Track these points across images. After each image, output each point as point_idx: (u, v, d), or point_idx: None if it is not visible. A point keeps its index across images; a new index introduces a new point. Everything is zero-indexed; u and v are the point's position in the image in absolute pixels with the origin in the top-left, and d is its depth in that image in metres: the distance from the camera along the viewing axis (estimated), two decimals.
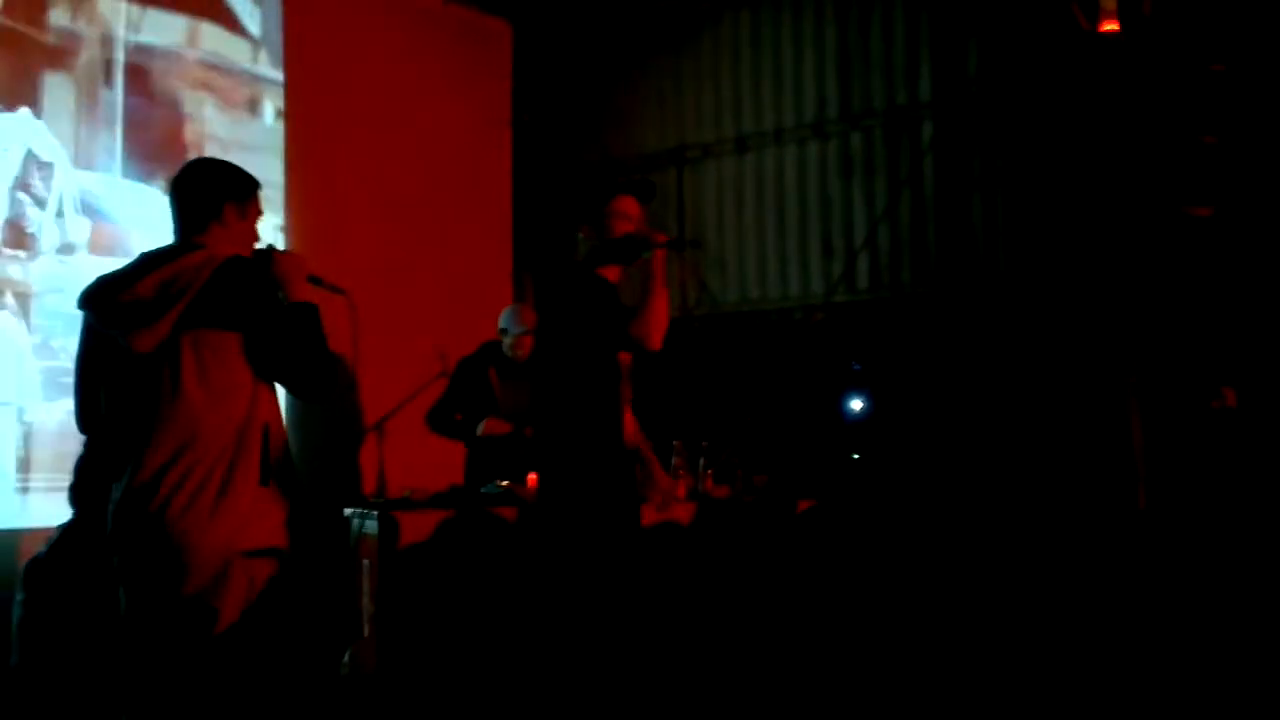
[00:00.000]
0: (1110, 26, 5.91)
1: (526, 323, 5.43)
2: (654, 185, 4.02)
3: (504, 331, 5.50)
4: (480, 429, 5.34)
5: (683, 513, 5.04)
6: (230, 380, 2.93)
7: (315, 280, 3.15)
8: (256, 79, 6.74)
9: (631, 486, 3.87)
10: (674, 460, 5.34)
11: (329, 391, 3.23)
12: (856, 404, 6.97)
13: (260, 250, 3.12)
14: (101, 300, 2.98)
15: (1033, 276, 6.38)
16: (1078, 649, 4.86)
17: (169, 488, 2.85)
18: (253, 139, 6.64)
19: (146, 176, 6.14)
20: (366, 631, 4.45)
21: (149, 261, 3.00)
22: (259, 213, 3.18)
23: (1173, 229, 5.76)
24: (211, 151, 6.37)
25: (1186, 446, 5.34)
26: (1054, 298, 6.23)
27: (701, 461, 5.37)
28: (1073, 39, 6.17)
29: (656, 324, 3.72)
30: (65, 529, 4.54)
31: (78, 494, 4.62)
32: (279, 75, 6.78)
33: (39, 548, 4.29)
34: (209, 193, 3.07)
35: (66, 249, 5.78)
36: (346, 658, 4.54)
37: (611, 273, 3.84)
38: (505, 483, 4.87)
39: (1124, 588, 5.20)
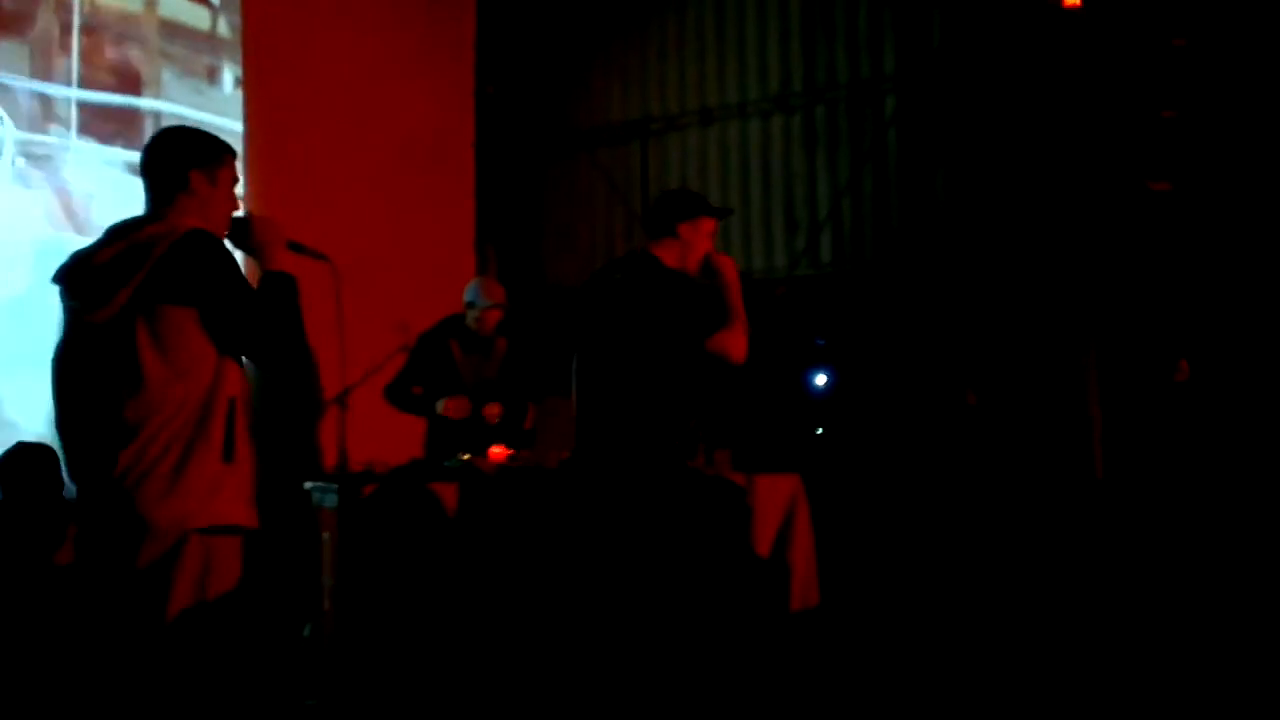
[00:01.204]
0: (1072, 1, 5.93)
1: (492, 297, 5.41)
2: (731, 211, 4.33)
3: (470, 305, 5.46)
4: (439, 407, 5.30)
5: None
6: (191, 354, 2.85)
7: (296, 246, 3.08)
8: (215, 46, 6.66)
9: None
10: None
11: (302, 366, 3.18)
12: (820, 378, 6.99)
13: (238, 218, 3.04)
14: (66, 273, 2.95)
15: (995, 250, 6.41)
16: (1039, 616, 4.91)
17: (127, 460, 2.80)
18: (211, 107, 6.55)
19: (102, 142, 6.06)
20: (327, 605, 4.44)
21: (112, 234, 2.94)
22: (234, 179, 3.07)
23: (1132, 203, 5.79)
24: (168, 120, 6.30)
25: (1143, 417, 5.40)
26: (1016, 271, 6.26)
27: None
28: (1035, 12, 6.19)
29: (741, 340, 3.80)
30: None
31: (5, 470, 4.53)
32: (238, 43, 6.69)
33: None
34: (173, 162, 2.98)
35: (18, 216, 5.70)
36: (306, 632, 4.53)
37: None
38: (466, 456, 4.86)
39: (1081, 555, 5.26)
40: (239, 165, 3.12)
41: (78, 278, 2.90)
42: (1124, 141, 5.91)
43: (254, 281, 2.96)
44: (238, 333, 2.88)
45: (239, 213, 3.08)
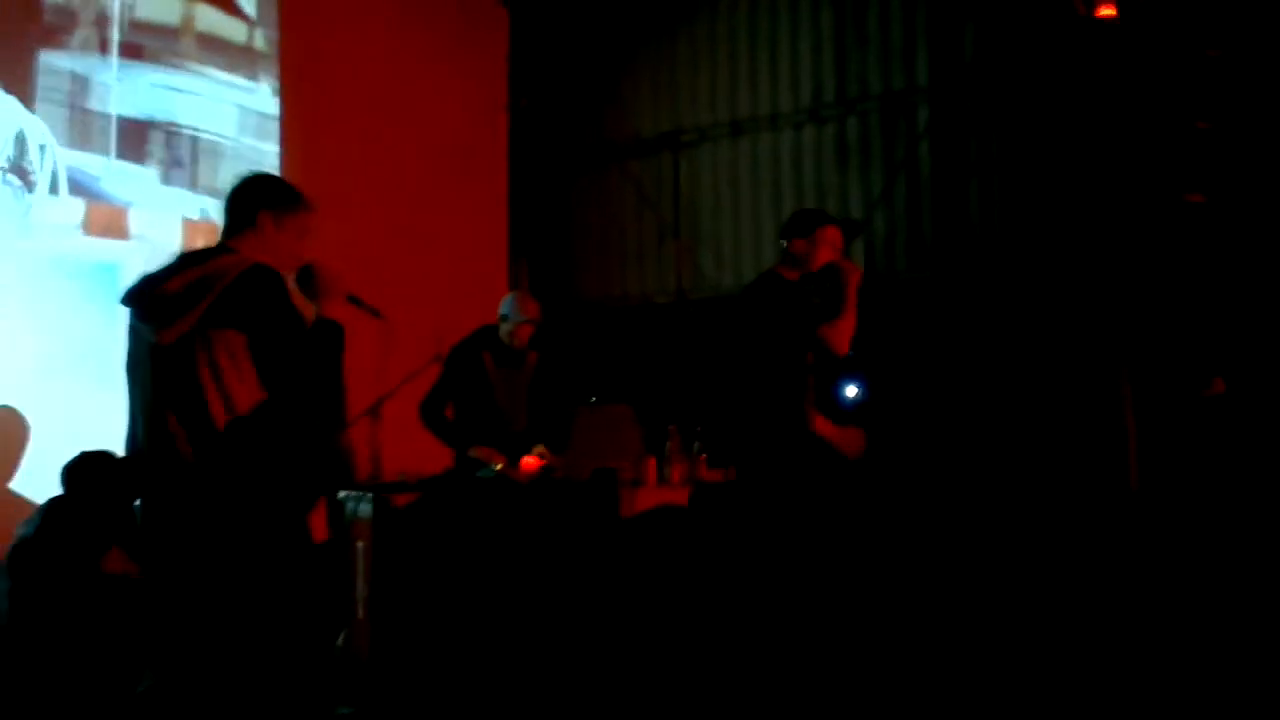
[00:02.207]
0: (1107, 11, 5.90)
1: (527, 313, 5.42)
2: (860, 225, 5.18)
3: (504, 318, 5.47)
4: (471, 452, 5.26)
5: (681, 495, 5.05)
6: (240, 380, 3.05)
7: (354, 300, 3.38)
8: (252, 60, 6.73)
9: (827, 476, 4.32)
10: (669, 444, 5.35)
11: (328, 413, 3.41)
12: (851, 390, 6.96)
13: (305, 265, 3.28)
14: (136, 296, 3.17)
15: (1028, 262, 6.38)
16: (1071, 626, 4.89)
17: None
18: (248, 121, 6.63)
19: (141, 157, 6.14)
20: (360, 614, 4.46)
21: (184, 261, 3.20)
22: (303, 228, 3.30)
23: (1167, 214, 5.76)
24: (206, 132, 6.39)
25: (1178, 430, 5.36)
26: (1049, 283, 6.23)
27: (696, 445, 5.37)
28: (1069, 23, 6.16)
29: (846, 333, 4.30)
30: (49, 508, 4.57)
31: (72, 474, 4.65)
32: (275, 57, 6.76)
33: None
34: (246, 200, 3.24)
35: (60, 230, 5.78)
36: (340, 641, 4.56)
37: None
38: (500, 466, 4.87)
39: (1116, 566, 5.23)
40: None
41: (147, 301, 3.12)
42: (1158, 153, 5.87)
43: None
44: (279, 365, 3.08)
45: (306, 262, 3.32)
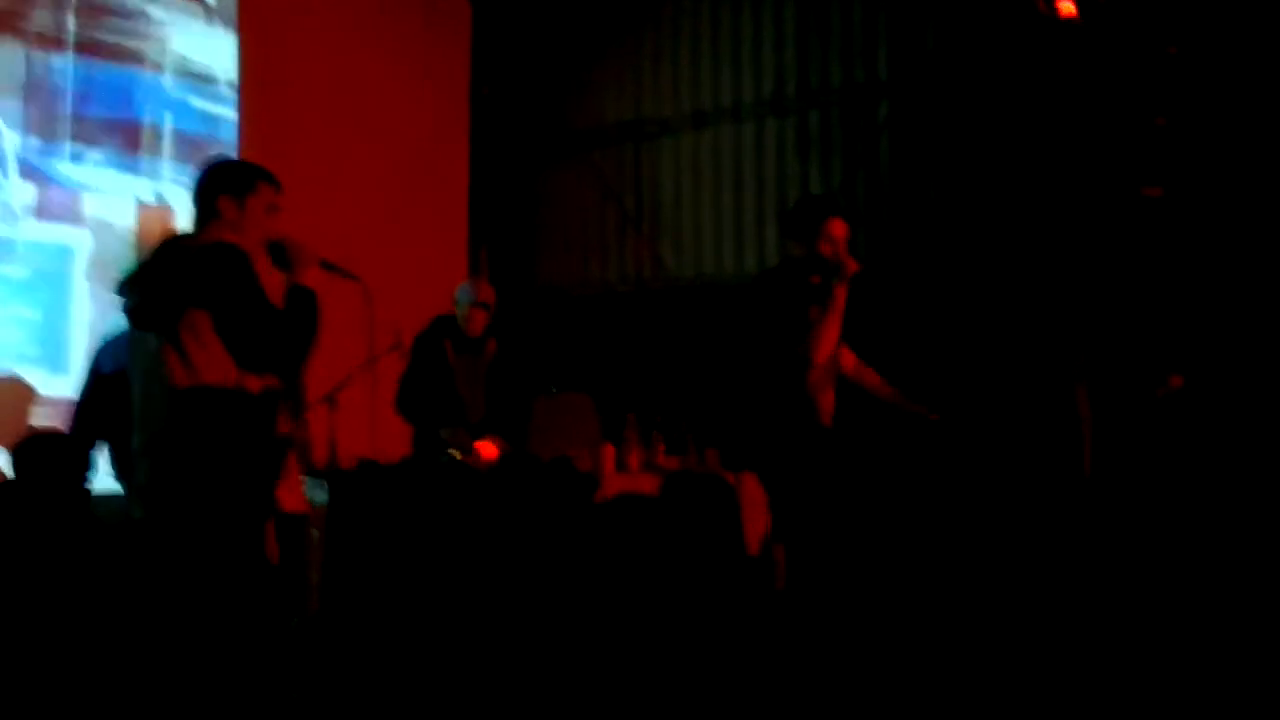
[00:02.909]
0: (1067, 8, 5.94)
1: (479, 296, 5.41)
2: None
3: (458, 304, 5.48)
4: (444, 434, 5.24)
5: (646, 484, 5.04)
6: (205, 355, 3.11)
7: (328, 265, 3.46)
8: (211, 45, 6.66)
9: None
10: (627, 432, 5.36)
11: (294, 373, 3.57)
12: None
13: (274, 239, 3.33)
14: (123, 284, 3.33)
15: (986, 255, 6.41)
16: (1024, 611, 4.93)
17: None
18: (206, 109, 6.56)
19: (95, 141, 6.06)
20: (313, 602, 4.43)
21: (160, 250, 3.32)
22: (268, 206, 3.34)
23: (1125, 209, 5.81)
24: (164, 120, 6.33)
25: (1132, 420, 5.42)
26: (1007, 276, 6.27)
27: (655, 434, 5.38)
28: (1030, 19, 6.20)
29: (825, 342, 4.21)
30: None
31: (22, 456, 4.57)
32: (234, 44, 6.69)
33: None
34: (205, 190, 3.32)
35: (12, 214, 5.70)
36: (293, 628, 4.52)
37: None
38: (457, 454, 4.86)
39: (1069, 553, 5.28)
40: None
41: (129, 288, 3.27)
42: (1117, 148, 5.92)
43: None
44: (247, 340, 3.14)
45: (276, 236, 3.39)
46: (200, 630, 2.98)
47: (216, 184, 3.31)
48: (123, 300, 3.29)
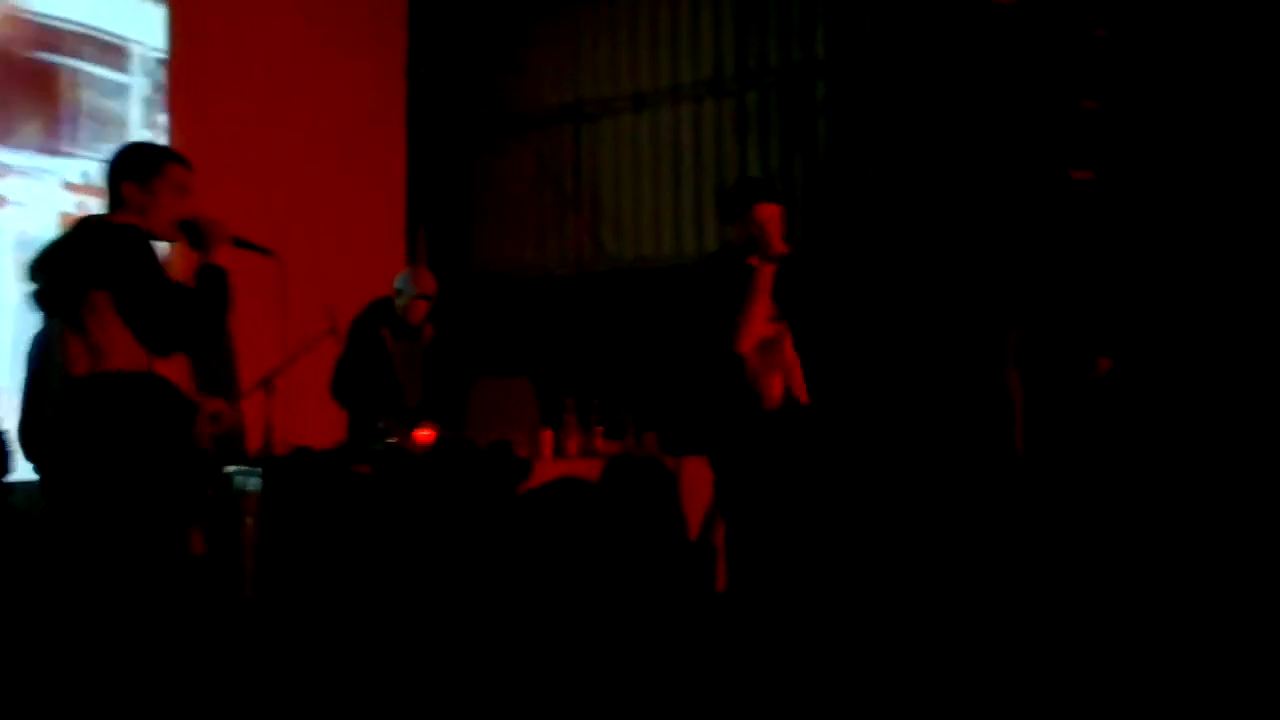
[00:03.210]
0: None
1: (422, 287, 5.38)
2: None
3: (399, 292, 5.44)
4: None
5: (585, 468, 5.04)
6: (107, 338, 3.06)
7: (241, 242, 3.37)
8: (140, 21, 6.53)
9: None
10: (566, 417, 5.36)
11: (206, 354, 3.41)
12: None
13: (185, 219, 3.27)
14: (30, 267, 3.26)
15: (920, 235, 6.47)
16: (959, 589, 5.00)
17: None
18: (134, 85, 6.44)
19: (17, 121, 5.95)
20: (248, 590, 4.40)
21: (68, 232, 3.26)
22: (177, 187, 3.29)
23: (1055, 190, 5.88)
24: (86, 100, 6.21)
25: (1062, 398, 5.50)
26: (941, 257, 6.33)
27: (593, 418, 5.39)
28: (964, 1, 6.24)
29: (748, 330, 4.11)
30: None
31: None
32: (164, 18, 6.57)
33: None
34: (110, 177, 3.27)
35: None
36: (228, 616, 4.48)
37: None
38: (393, 439, 4.83)
39: (1002, 530, 5.36)
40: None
41: (35, 271, 3.21)
42: (1047, 130, 5.99)
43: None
44: (146, 319, 3.08)
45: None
46: (113, 624, 2.95)
47: (118, 171, 3.27)
48: (34, 283, 3.24)
